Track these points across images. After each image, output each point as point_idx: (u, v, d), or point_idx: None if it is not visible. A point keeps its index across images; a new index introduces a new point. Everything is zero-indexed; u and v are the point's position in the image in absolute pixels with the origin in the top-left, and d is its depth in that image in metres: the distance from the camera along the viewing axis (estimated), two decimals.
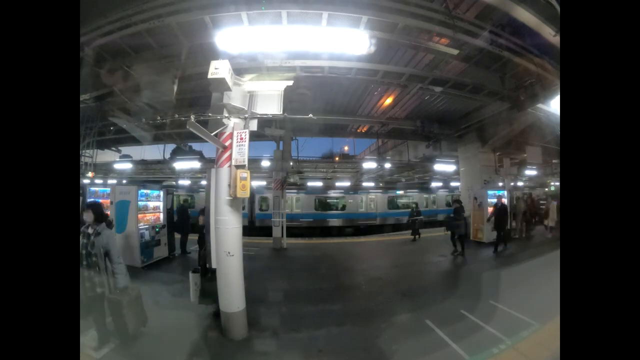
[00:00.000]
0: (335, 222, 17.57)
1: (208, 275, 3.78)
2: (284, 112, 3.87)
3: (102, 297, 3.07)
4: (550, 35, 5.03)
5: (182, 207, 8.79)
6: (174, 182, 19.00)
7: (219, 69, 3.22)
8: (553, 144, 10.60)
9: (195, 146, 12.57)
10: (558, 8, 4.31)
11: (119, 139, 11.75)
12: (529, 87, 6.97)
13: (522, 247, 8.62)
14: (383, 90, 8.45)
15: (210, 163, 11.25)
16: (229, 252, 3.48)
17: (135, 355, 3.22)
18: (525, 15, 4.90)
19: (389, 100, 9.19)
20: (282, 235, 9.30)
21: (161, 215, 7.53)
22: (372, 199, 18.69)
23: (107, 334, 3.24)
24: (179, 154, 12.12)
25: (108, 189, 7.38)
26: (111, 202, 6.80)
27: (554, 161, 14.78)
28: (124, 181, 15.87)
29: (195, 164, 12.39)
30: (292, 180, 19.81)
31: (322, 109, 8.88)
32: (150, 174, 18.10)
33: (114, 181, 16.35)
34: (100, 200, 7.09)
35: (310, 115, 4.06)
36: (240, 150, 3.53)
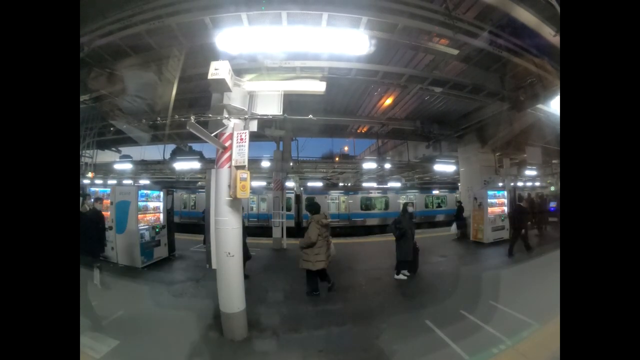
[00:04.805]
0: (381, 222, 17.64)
1: None
2: (283, 112, 3.88)
3: None
4: (550, 35, 5.03)
5: None
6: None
7: (218, 70, 3.22)
8: (553, 144, 10.61)
9: (195, 147, 12.61)
10: (558, 8, 4.32)
11: (119, 139, 11.75)
12: (529, 87, 6.97)
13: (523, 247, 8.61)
14: (383, 90, 8.45)
15: (210, 164, 11.26)
16: (229, 253, 3.48)
17: (135, 355, 3.22)
18: (525, 16, 4.90)
19: (388, 101, 9.19)
20: (282, 236, 9.30)
21: (161, 216, 7.53)
22: (412, 199, 18.89)
23: None
24: (179, 154, 12.15)
25: (108, 190, 7.37)
26: (111, 203, 6.80)
27: (554, 161, 14.79)
28: None
29: (195, 165, 12.41)
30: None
31: (322, 109, 8.89)
32: (150, 175, 18.14)
33: (114, 181, 16.36)
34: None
35: (310, 115, 4.06)
36: (240, 151, 3.53)
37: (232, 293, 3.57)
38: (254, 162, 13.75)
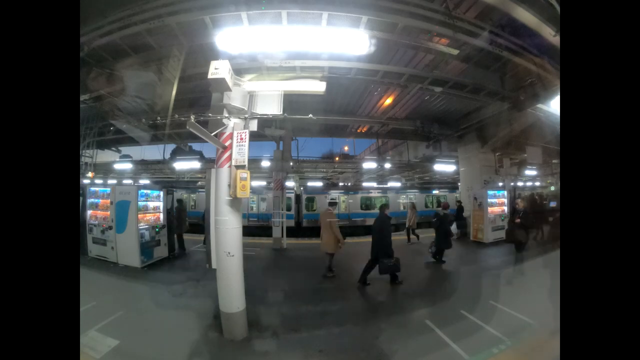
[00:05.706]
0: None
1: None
2: (283, 112, 3.88)
3: None
4: (550, 35, 5.03)
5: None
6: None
7: (219, 69, 3.22)
8: (553, 144, 10.60)
9: (195, 146, 12.58)
10: (558, 8, 4.31)
11: (119, 139, 11.75)
12: (529, 87, 6.97)
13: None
14: (383, 90, 8.45)
15: (210, 163, 11.26)
16: (229, 253, 3.48)
17: (135, 355, 3.22)
18: (525, 15, 4.90)
19: (388, 101, 9.19)
20: (282, 236, 9.30)
21: (161, 216, 7.53)
22: (411, 198, 18.50)
23: None
24: (179, 154, 12.13)
25: (108, 189, 7.37)
26: (111, 202, 6.79)
27: (554, 161, 14.79)
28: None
29: (195, 164, 12.41)
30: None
31: (322, 109, 8.88)
32: (150, 174, 18.15)
33: (114, 181, 16.35)
34: (101, 201, 7.13)
35: (310, 115, 4.06)
36: (240, 151, 3.53)
37: (232, 293, 3.57)
38: (254, 162, 13.74)
